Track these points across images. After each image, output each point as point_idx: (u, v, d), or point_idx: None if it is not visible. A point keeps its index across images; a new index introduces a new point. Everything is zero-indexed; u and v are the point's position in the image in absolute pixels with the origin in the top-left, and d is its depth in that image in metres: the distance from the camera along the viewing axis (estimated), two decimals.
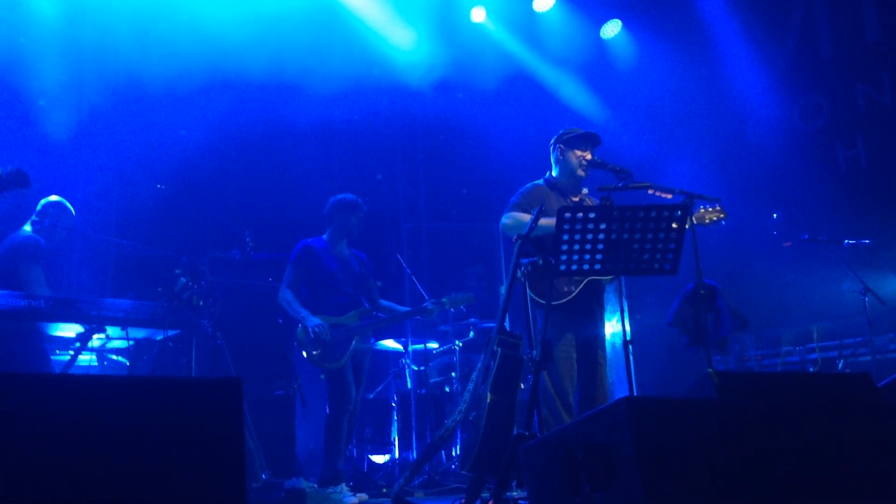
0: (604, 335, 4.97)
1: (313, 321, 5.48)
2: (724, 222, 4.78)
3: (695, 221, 4.66)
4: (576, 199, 5.08)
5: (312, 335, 5.43)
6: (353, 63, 8.53)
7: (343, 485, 5.34)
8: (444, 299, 6.00)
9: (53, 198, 5.55)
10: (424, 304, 5.94)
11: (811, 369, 6.76)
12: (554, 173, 5.12)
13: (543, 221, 4.42)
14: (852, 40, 8.16)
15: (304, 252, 5.81)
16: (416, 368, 7.54)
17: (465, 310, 6.28)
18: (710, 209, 4.74)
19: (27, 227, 5.36)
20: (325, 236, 5.96)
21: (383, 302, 6.09)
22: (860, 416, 2.83)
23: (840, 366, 6.59)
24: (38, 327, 4.83)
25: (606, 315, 5.15)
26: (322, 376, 5.58)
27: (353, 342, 5.58)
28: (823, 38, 8.38)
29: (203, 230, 7.74)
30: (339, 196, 5.99)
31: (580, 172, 4.97)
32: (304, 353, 5.52)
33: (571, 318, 4.81)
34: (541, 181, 5.13)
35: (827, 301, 7.18)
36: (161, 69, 7.35)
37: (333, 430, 5.48)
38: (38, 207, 5.47)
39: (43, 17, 7.06)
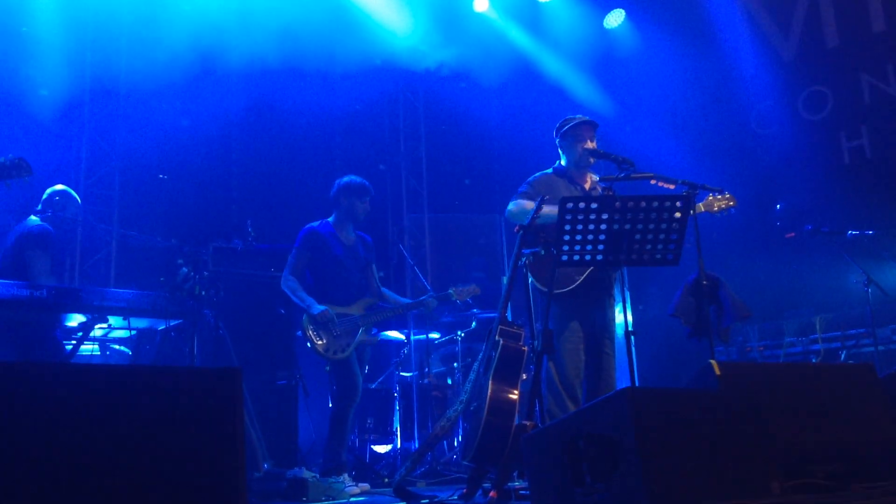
0: (613, 326, 4.94)
1: (318, 308, 5.36)
2: (733, 210, 4.74)
3: (703, 209, 4.64)
4: (587, 187, 5.07)
5: (319, 321, 5.35)
6: (356, 53, 8.51)
7: (346, 475, 5.34)
8: (450, 291, 5.88)
9: (59, 187, 5.54)
10: (427, 297, 5.84)
11: (814, 360, 6.75)
12: (562, 162, 5.12)
13: (547, 209, 4.41)
14: (857, 30, 8.11)
15: (310, 237, 5.64)
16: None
17: (471, 301, 6.22)
18: (720, 196, 4.69)
19: (34, 218, 5.35)
20: (330, 220, 5.79)
21: (384, 290, 5.96)
22: (862, 407, 2.83)
23: (842, 357, 6.58)
24: (56, 316, 4.82)
25: None
26: (327, 368, 5.51)
27: (359, 333, 5.50)
28: (828, 29, 8.34)
29: (205, 220, 7.75)
30: (346, 179, 5.78)
31: (583, 162, 4.96)
32: (309, 344, 5.40)
33: (579, 307, 4.79)
34: (549, 170, 5.12)
35: (830, 292, 7.16)
36: (162, 58, 7.33)
37: (339, 421, 5.40)
38: (44, 197, 5.46)
39: (44, 7, 7.04)
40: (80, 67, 7.41)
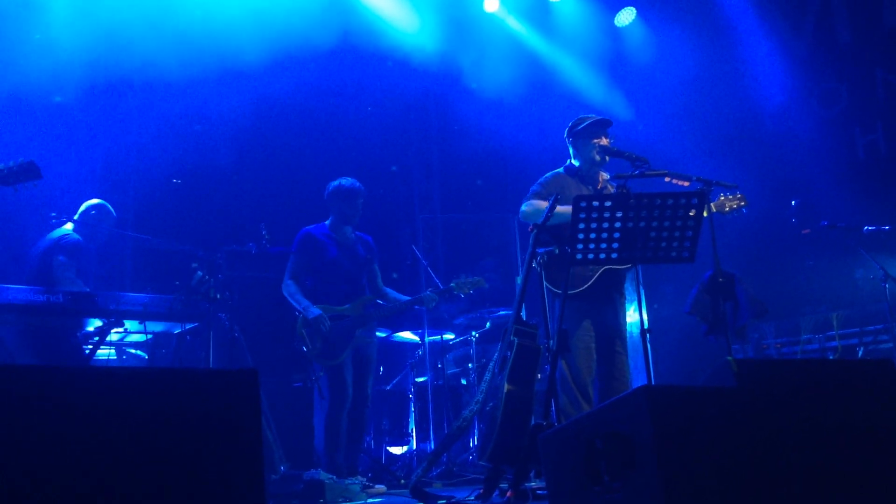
0: (624, 325, 4.94)
1: (314, 313, 5.40)
2: (745, 210, 4.74)
3: (714, 210, 4.63)
4: (599, 186, 5.06)
5: (313, 325, 5.37)
6: (367, 55, 8.52)
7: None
8: (452, 284, 5.83)
9: (95, 201, 5.66)
10: (427, 293, 5.79)
11: (831, 357, 6.70)
12: (574, 162, 5.11)
13: (560, 209, 4.39)
14: (870, 26, 8.06)
15: (305, 240, 5.70)
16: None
17: (474, 293, 6.14)
18: (731, 196, 4.70)
19: (68, 226, 5.44)
20: (327, 222, 5.84)
21: (386, 289, 5.95)
22: (881, 403, 2.80)
23: (860, 353, 6.53)
24: (77, 322, 4.85)
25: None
26: (321, 373, 5.50)
27: (355, 335, 5.51)
28: (841, 24, 8.29)
29: (219, 224, 7.78)
30: (336, 182, 5.80)
31: (597, 159, 4.95)
32: (305, 348, 5.46)
33: (590, 307, 4.79)
34: (561, 169, 5.12)
35: (846, 288, 7.11)
36: (175, 62, 7.36)
37: (332, 426, 5.46)
38: (81, 209, 5.59)
39: (57, 14, 7.08)
40: (93, 74, 7.45)
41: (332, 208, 5.80)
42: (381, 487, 5.53)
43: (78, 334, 5.08)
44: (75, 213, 5.58)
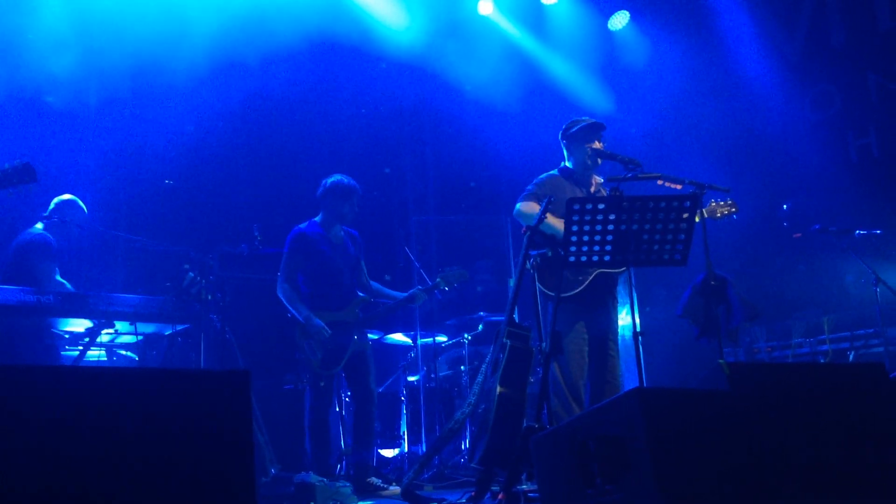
0: (616, 328, 4.96)
1: (315, 326, 5.33)
2: (735, 216, 4.76)
3: (706, 215, 4.65)
4: (592, 189, 5.07)
5: (314, 335, 5.32)
6: (361, 57, 8.51)
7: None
8: (438, 279, 5.75)
9: (65, 196, 5.58)
10: (416, 290, 5.74)
11: (822, 361, 6.71)
12: (568, 164, 5.12)
13: (552, 221, 4.41)
14: (864, 29, 8.06)
15: (298, 240, 5.58)
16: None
17: (467, 294, 6.14)
18: (722, 203, 4.73)
19: (38, 226, 5.38)
20: (318, 219, 5.72)
21: (373, 283, 5.88)
22: (872, 406, 2.81)
23: (851, 357, 6.54)
24: (47, 323, 4.83)
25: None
26: (322, 383, 5.40)
27: (352, 342, 5.45)
28: (834, 27, 8.30)
29: (211, 225, 7.75)
30: (333, 180, 5.67)
31: (590, 162, 4.97)
32: (304, 357, 5.42)
33: (583, 309, 4.80)
34: (555, 171, 5.14)
35: (838, 292, 7.13)
36: (167, 62, 7.34)
37: (316, 427, 5.44)
38: (51, 206, 5.49)
39: (50, 14, 7.06)
40: (85, 74, 7.42)
41: (328, 206, 5.67)
42: (395, 488, 5.46)
43: (52, 332, 5.04)
44: (47, 211, 5.51)
